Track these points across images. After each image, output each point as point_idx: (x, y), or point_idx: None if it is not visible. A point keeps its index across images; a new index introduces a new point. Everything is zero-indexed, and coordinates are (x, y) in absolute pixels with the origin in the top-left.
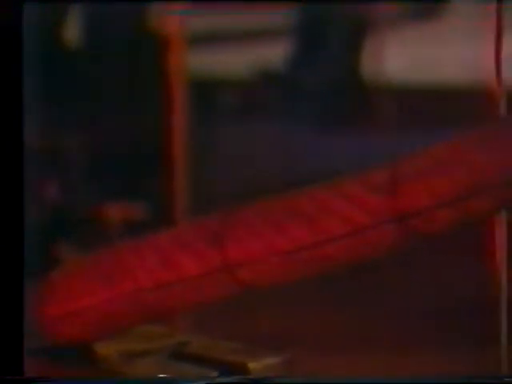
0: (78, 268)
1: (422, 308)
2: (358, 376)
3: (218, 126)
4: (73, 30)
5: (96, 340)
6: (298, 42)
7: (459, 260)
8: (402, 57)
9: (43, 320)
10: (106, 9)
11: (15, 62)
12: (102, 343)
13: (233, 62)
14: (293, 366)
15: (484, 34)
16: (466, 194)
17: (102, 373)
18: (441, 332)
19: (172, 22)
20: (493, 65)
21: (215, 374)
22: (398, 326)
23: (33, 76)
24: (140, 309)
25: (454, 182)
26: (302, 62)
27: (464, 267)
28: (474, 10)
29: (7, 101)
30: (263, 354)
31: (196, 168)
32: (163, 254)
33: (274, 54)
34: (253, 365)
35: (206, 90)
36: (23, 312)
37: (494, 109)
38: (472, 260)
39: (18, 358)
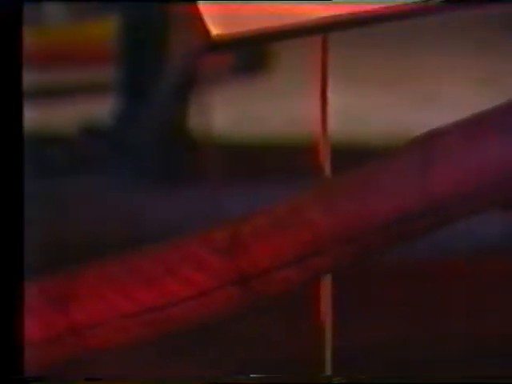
0: None
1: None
2: (357, 377)
3: (45, 181)
4: None
5: None
6: (124, 97)
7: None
8: (230, 110)
9: None
10: None
11: (15, 61)
12: None
13: (60, 116)
14: None
15: (310, 87)
16: (306, 253)
17: None
18: None
19: None
20: (318, 118)
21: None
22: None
23: None
24: None
25: (295, 241)
26: (128, 116)
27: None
28: (300, 63)
29: (7, 100)
30: None
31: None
32: None
33: (101, 108)
34: None
35: (33, 145)
36: (23, 312)
37: (320, 163)
38: (298, 314)
39: (18, 358)
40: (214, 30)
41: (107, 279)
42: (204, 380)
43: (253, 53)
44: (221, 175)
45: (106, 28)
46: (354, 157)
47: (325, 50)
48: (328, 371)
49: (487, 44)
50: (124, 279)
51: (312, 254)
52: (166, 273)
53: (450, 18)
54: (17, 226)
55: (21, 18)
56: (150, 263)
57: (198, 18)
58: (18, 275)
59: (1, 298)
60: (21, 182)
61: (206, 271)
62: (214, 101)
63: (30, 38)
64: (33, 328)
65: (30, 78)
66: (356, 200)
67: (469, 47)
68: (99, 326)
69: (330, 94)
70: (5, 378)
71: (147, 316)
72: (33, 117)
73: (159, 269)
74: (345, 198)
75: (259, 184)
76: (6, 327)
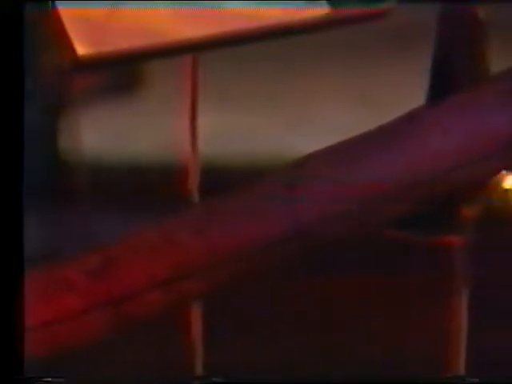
0: None
1: None
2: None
3: None
4: None
5: None
6: None
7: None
8: (99, 130)
9: None
10: None
11: (15, 61)
12: None
13: None
14: None
15: (180, 108)
16: (175, 277)
17: None
18: None
19: None
20: (188, 139)
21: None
22: None
23: None
24: None
25: (164, 264)
26: None
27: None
28: (172, 83)
29: (7, 100)
30: None
31: None
32: None
33: None
34: None
35: None
36: (23, 312)
37: (189, 184)
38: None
39: (18, 358)
40: (81, 50)
41: None
42: (203, 380)
43: (122, 72)
44: (90, 196)
45: None
46: (225, 179)
47: (195, 70)
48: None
49: (370, 63)
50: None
51: (181, 278)
52: (41, 295)
53: (328, 37)
54: (16, 223)
55: (21, 19)
56: (25, 286)
57: (65, 38)
58: (17, 274)
59: (0, 299)
60: (20, 182)
61: (78, 293)
62: (83, 121)
63: None
64: None
65: None
66: (223, 224)
67: (349, 66)
68: None
69: (200, 115)
70: (5, 378)
71: (38, 334)
72: None
73: (35, 291)
74: (213, 222)
75: (129, 206)
76: (6, 327)
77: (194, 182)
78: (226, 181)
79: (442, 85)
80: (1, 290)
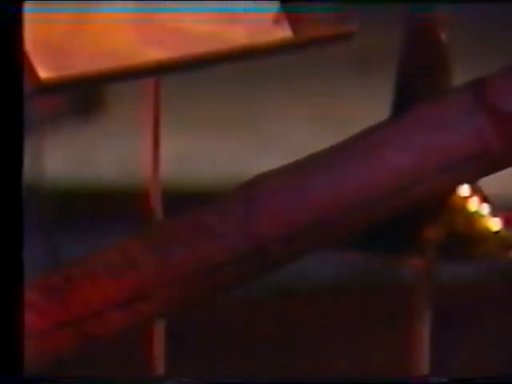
0: None
1: None
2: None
3: None
4: None
5: None
6: None
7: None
8: (63, 153)
9: None
10: None
11: (15, 61)
12: None
13: None
14: None
15: (143, 130)
16: (134, 297)
17: None
18: None
19: None
20: (151, 162)
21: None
22: None
23: None
24: None
25: (123, 284)
26: None
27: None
28: (131, 106)
29: (7, 100)
30: None
31: None
32: None
33: None
34: None
35: None
36: (23, 312)
37: (151, 206)
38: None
39: (18, 358)
40: (43, 73)
41: None
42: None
43: (85, 95)
44: (54, 219)
45: None
46: (187, 200)
47: (157, 93)
48: None
49: (333, 83)
50: None
51: (139, 298)
52: None
53: (291, 59)
54: (16, 224)
55: (21, 18)
56: None
57: (27, 62)
58: (17, 275)
59: (0, 298)
60: (20, 182)
61: (40, 313)
62: (45, 144)
63: None
64: None
65: None
66: (182, 244)
67: (313, 87)
68: None
69: (163, 137)
70: (5, 378)
71: None
72: None
73: None
74: (172, 242)
75: (91, 228)
76: (6, 327)
77: (156, 204)
78: (188, 203)
79: (406, 104)
80: (0, 290)
